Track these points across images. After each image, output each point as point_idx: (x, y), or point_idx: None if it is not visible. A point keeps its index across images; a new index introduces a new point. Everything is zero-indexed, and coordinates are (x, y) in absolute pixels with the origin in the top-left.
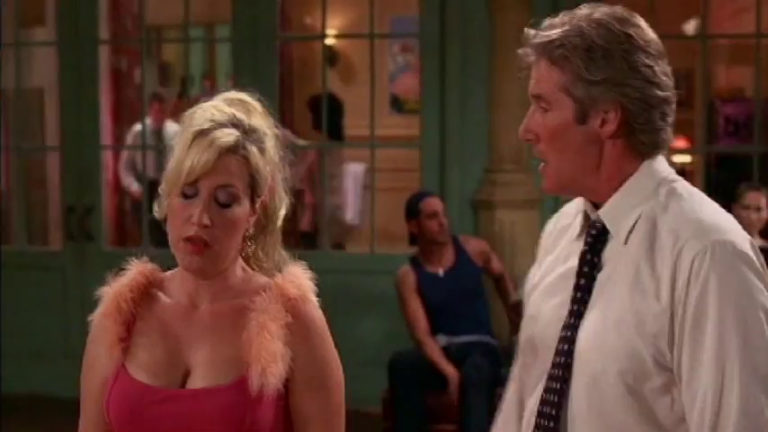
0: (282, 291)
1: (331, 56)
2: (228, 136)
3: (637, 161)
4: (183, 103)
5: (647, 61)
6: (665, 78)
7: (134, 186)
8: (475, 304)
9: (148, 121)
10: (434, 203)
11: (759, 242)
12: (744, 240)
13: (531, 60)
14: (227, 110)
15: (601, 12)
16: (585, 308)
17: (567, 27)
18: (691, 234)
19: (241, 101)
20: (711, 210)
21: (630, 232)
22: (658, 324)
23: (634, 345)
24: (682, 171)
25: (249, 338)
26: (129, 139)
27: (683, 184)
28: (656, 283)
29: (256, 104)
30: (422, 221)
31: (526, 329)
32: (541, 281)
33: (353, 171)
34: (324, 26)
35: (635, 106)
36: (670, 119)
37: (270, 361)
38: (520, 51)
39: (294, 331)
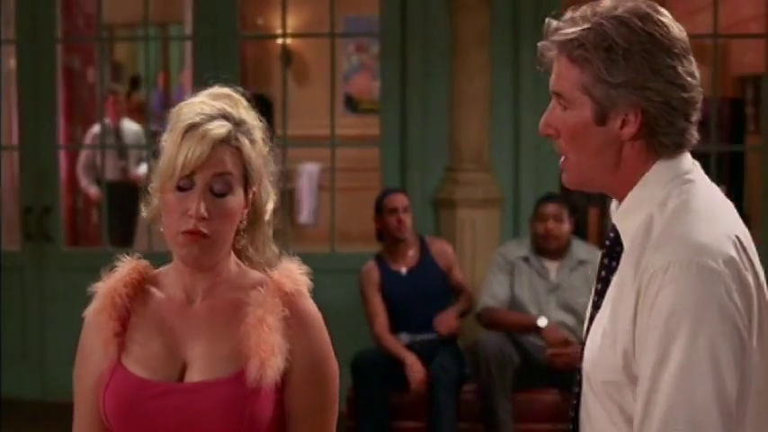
0: (279, 285)
1: (285, 55)
2: (221, 128)
3: (654, 161)
4: (134, 101)
5: (669, 62)
6: (689, 78)
7: (92, 189)
8: (438, 304)
9: (107, 120)
10: (396, 200)
11: None
12: (717, 257)
13: (552, 55)
14: (215, 103)
15: (623, 8)
16: (596, 314)
17: (587, 25)
18: (661, 246)
19: (227, 95)
20: (698, 220)
21: (633, 235)
22: (624, 338)
23: (611, 359)
24: None
25: (247, 332)
26: (88, 140)
27: (692, 186)
28: (629, 294)
29: (241, 98)
30: (384, 218)
31: None
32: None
33: (308, 171)
34: (284, 25)
35: (656, 109)
36: (694, 118)
37: (269, 354)
38: (540, 45)
39: (292, 325)
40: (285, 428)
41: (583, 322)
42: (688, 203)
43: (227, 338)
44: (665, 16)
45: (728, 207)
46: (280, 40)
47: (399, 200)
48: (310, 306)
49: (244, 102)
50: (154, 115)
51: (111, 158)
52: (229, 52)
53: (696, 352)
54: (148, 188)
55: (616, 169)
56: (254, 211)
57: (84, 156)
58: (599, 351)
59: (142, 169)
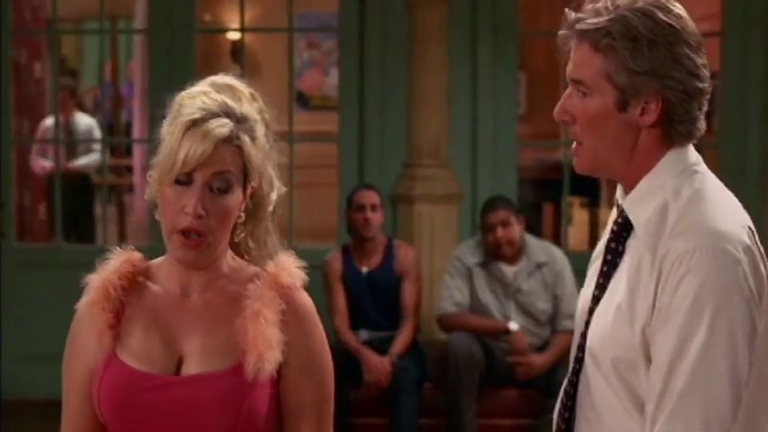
0: (276, 278)
1: (235, 50)
2: (223, 127)
3: (666, 150)
4: (81, 95)
5: (688, 53)
6: (704, 70)
7: (44, 163)
8: (397, 307)
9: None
10: (364, 197)
11: None
12: (737, 245)
13: (572, 44)
14: (218, 97)
15: (644, 1)
16: (603, 295)
17: (612, 15)
18: (680, 232)
19: (229, 86)
20: (714, 208)
21: (646, 221)
22: (643, 317)
23: (626, 335)
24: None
25: (244, 325)
26: (40, 133)
27: (702, 176)
28: (647, 276)
29: (244, 90)
30: (350, 213)
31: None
32: (587, 273)
33: None
34: (242, 20)
35: (676, 98)
36: (705, 109)
37: (266, 347)
38: (560, 33)
39: (288, 318)
40: (279, 423)
41: (542, 325)
42: (702, 193)
43: (224, 331)
44: (682, 10)
45: (734, 198)
46: (231, 36)
47: (368, 197)
48: (306, 300)
49: (246, 93)
50: (101, 107)
51: (64, 152)
52: (186, 46)
53: (718, 332)
54: (148, 175)
55: (631, 156)
56: (254, 204)
57: (35, 147)
58: (611, 328)
59: (89, 160)
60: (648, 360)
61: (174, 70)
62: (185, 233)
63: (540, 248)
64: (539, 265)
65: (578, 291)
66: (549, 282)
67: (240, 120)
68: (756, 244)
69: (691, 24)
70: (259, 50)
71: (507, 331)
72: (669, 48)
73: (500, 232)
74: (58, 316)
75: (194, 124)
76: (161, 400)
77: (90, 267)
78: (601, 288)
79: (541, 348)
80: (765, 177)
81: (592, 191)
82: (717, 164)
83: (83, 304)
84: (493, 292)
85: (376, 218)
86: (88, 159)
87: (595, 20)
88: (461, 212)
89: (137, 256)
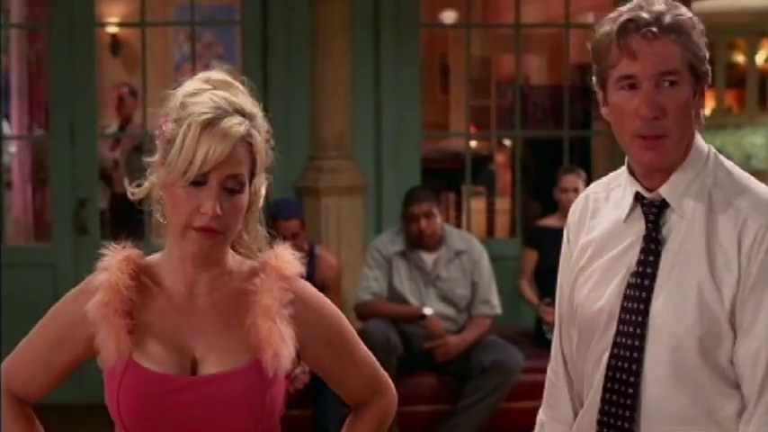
0: (280, 271)
1: (114, 45)
2: (240, 125)
3: (694, 134)
4: None
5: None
6: None
7: None
8: None
9: None
10: (288, 220)
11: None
12: None
13: (636, 40)
14: (225, 95)
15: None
16: (654, 281)
17: (676, 10)
18: (751, 208)
19: (226, 82)
20: (757, 183)
21: (689, 205)
22: (731, 291)
23: (712, 312)
24: (490, 157)
25: (256, 322)
26: None
27: (721, 157)
28: (725, 253)
29: (239, 84)
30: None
31: (583, 309)
32: (589, 264)
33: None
34: (144, 13)
35: (707, 84)
36: None
37: (280, 344)
38: (643, 32)
39: (299, 306)
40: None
41: (461, 311)
42: (736, 170)
43: (237, 329)
44: None
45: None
46: (110, 30)
47: (292, 222)
48: (309, 286)
49: (242, 88)
50: None
51: None
52: (86, 41)
53: None
54: (147, 174)
55: (687, 142)
56: (251, 197)
57: None
58: (697, 310)
59: None
60: (733, 329)
61: (72, 66)
62: (202, 230)
63: (458, 237)
64: (458, 253)
65: (494, 277)
66: (467, 269)
67: (250, 117)
68: None
69: None
70: (137, 45)
71: (423, 316)
72: (705, 40)
73: (423, 223)
74: None
75: (210, 124)
76: (185, 401)
77: None
78: (646, 276)
79: (459, 333)
80: None
81: (488, 180)
82: (613, 153)
83: (94, 305)
84: (413, 280)
85: (297, 243)
86: None
87: (674, 13)
88: (366, 204)
89: (136, 253)
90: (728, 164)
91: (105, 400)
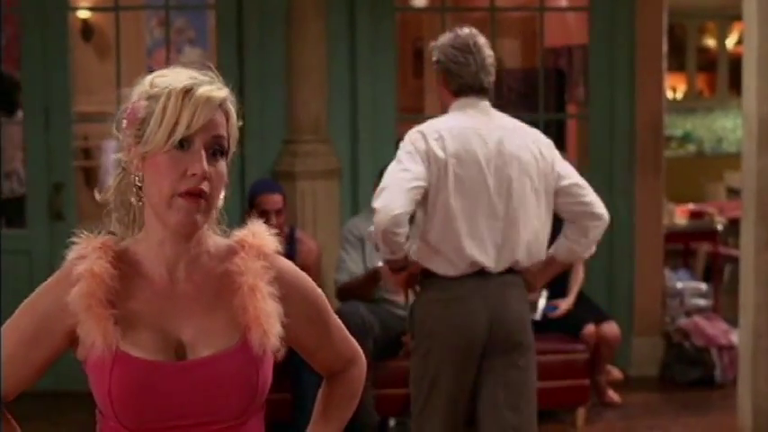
0: (259, 248)
1: (86, 30)
2: (220, 90)
3: None
4: None
5: None
6: None
7: None
8: None
9: None
10: (267, 201)
11: None
12: None
13: None
14: (198, 72)
15: None
16: None
17: None
18: None
19: (196, 68)
20: None
21: None
22: None
23: None
24: None
25: (243, 302)
26: None
27: None
28: None
29: (210, 72)
30: (252, 215)
31: None
32: None
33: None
34: None
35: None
36: None
37: (268, 322)
38: None
39: (281, 282)
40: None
41: None
42: None
43: (223, 310)
44: None
45: None
46: (81, 15)
47: (272, 202)
48: (288, 262)
49: (210, 74)
50: None
51: None
52: (59, 25)
53: None
54: (119, 161)
55: None
56: None
57: None
58: None
59: None
60: None
61: (45, 52)
62: (190, 194)
63: None
64: None
65: None
66: None
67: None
68: None
69: None
70: (110, 30)
71: (375, 271)
72: None
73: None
74: None
75: (191, 90)
76: (179, 387)
77: None
78: None
79: None
80: (633, 148)
81: None
82: (587, 135)
83: (76, 295)
84: None
85: (280, 221)
86: None
87: None
88: (342, 188)
89: (111, 238)
90: None
91: (93, 392)
